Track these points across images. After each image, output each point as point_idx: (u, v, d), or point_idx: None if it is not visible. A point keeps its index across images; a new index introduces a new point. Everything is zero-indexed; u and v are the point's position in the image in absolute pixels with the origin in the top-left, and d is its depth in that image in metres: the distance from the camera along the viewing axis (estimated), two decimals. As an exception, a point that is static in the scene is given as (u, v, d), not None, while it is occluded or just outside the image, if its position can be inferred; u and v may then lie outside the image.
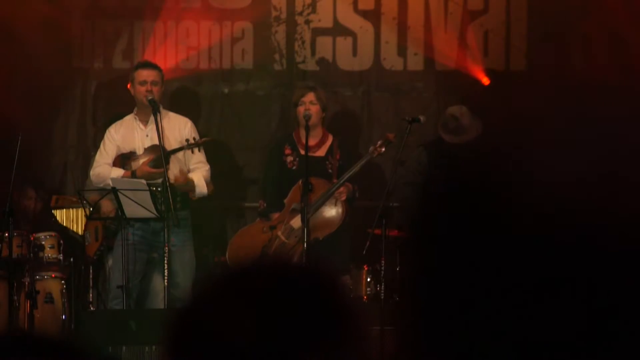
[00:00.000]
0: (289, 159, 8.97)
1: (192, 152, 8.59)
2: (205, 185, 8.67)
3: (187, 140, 8.56)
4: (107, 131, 8.86)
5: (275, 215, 8.91)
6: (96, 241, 9.29)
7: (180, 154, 8.63)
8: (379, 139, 8.95)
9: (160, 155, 8.41)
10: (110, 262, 9.02)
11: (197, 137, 8.65)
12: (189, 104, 10.35)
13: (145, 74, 8.64)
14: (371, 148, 8.80)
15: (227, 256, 8.95)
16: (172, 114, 8.78)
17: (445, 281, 0.93)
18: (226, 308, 1.33)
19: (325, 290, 1.35)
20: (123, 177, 8.52)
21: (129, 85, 8.75)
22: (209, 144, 9.01)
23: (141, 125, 8.72)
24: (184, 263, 8.58)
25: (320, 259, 8.19)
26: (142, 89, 8.60)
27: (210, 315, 1.33)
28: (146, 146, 8.66)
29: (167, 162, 8.47)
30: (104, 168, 8.66)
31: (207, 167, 8.74)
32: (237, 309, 1.32)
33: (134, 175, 8.53)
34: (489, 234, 0.91)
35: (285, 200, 8.86)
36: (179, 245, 8.54)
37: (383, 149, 8.73)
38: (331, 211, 8.77)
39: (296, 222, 8.71)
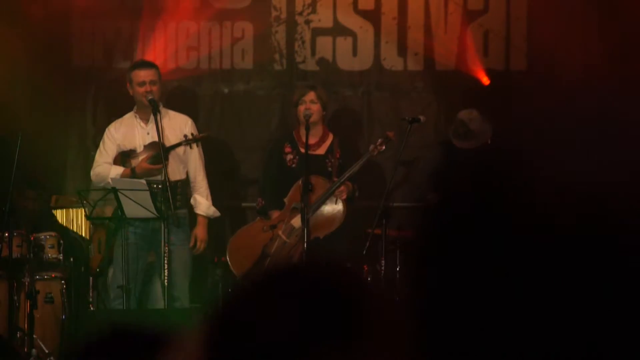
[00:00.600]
0: (289, 157, 8.97)
1: (191, 147, 8.62)
2: (212, 208, 8.76)
3: (185, 135, 8.59)
4: (106, 130, 8.86)
5: (275, 214, 8.91)
6: (99, 254, 9.29)
7: (180, 152, 8.64)
8: (379, 138, 8.95)
9: (160, 151, 8.42)
10: (110, 274, 9.01)
11: (196, 134, 8.70)
12: (189, 103, 10.35)
13: (143, 74, 8.64)
14: (371, 147, 8.80)
15: (227, 256, 8.95)
16: (172, 113, 8.79)
17: (449, 281, 0.93)
18: (269, 309, 1.33)
19: (363, 289, 1.36)
20: (123, 174, 8.53)
21: (128, 85, 8.76)
22: (209, 143, 9.00)
23: (142, 124, 8.74)
24: (182, 262, 8.59)
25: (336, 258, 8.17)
26: (141, 89, 8.60)
27: (252, 316, 1.34)
28: (147, 144, 8.66)
29: (167, 159, 8.49)
30: (103, 167, 8.67)
31: (205, 182, 8.77)
32: (280, 310, 1.33)
33: (133, 172, 8.54)
34: (492, 234, 0.91)
35: (286, 199, 8.85)
36: (178, 245, 8.55)
37: (383, 147, 8.73)
38: (332, 210, 8.77)
39: (297, 221, 8.71)
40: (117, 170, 8.60)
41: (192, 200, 8.69)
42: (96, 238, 9.27)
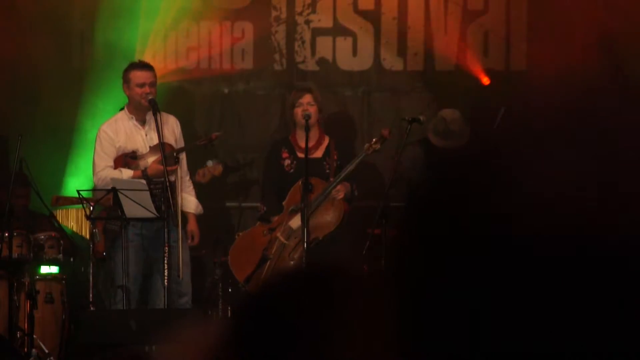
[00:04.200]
0: (287, 162, 8.99)
1: (206, 147, 8.73)
2: (200, 205, 8.94)
3: (203, 135, 8.71)
4: (101, 131, 8.72)
5: (275, 219, 8.93)
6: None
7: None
8: (373, 137, 8.98)
9: (171, 153, 8.47)
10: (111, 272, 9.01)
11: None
12: (189, 104, 10.35)
13: (144, 76, 8.62)
14: (366, 145, 8.83)
15: (229, 260, 8.98)
16: (163, 114, 8.74)
17: (431, 280, 0.93)
18: (296, 296, 1.49)
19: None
20: (133, 177, 8.50)
21: (124, 86, 8.71)
22: (210, 142, 9.02)
23: (138, 125, 8.71)
24: (186, 259, 8.60)
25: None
26: (141, 90, 8.58)
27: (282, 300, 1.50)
28: (148, 145, 8.65)
29: (179, 161, 8.54)
30: (108, 172, 8.57)
31: (191, 181, 8.91)
32: (306, 298, 1.48)
33: (144, 173, 8.49)
34: (479, 236, 0.91)
35: (284, 203, 8.87)
36: (179, 242, 8.55)
37: (378, 146, 8.75)
38: (329, 210, 8.78)
39: (294, 222, 8.73)
40: (128, 173, 8.54)
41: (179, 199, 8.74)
42: (100, 223, 9.21)
